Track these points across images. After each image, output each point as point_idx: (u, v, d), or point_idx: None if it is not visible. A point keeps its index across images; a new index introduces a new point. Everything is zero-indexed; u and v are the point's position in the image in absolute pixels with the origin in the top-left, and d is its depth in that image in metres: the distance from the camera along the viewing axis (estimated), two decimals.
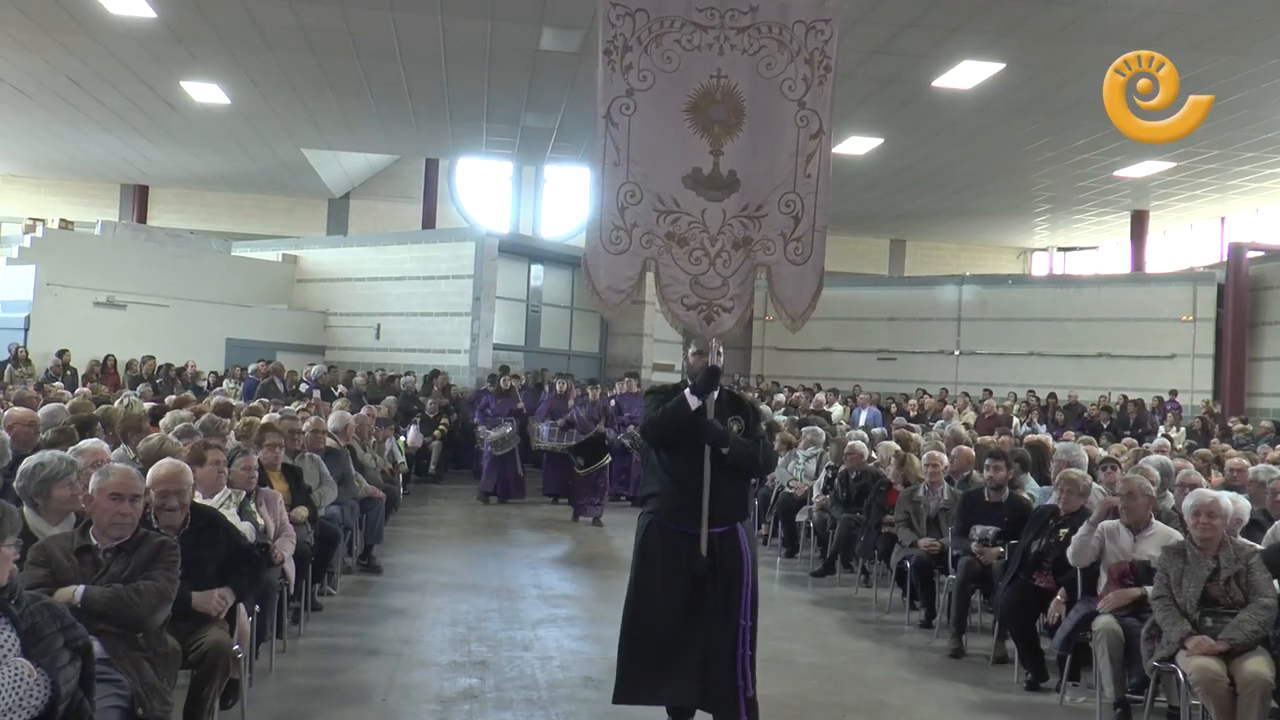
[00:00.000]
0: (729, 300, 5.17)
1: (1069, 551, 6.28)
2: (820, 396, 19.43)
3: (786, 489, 11.33)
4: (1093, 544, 6.15)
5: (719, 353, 5.11)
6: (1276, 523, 6.70)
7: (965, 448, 9.50)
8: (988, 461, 7.83)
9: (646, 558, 5.00)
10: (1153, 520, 6.20)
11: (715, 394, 4.99)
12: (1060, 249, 31.60)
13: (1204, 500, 5.42)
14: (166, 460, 4.93)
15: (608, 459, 13.02)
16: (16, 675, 3.14)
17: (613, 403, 14.76)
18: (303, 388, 16.84)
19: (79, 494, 4.53)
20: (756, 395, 20.66)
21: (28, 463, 4.69)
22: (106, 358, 17.23)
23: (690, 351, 5.22)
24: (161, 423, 7.74)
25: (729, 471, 4.99)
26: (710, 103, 5.16)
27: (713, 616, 4.88)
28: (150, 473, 4.75)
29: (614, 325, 23.67)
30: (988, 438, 12.51)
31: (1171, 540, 5.79)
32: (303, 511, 7.05)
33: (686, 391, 4.94)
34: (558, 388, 15.11)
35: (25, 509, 4.57)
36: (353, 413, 10.73)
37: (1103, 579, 6.13)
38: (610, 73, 5.10)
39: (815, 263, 5.23)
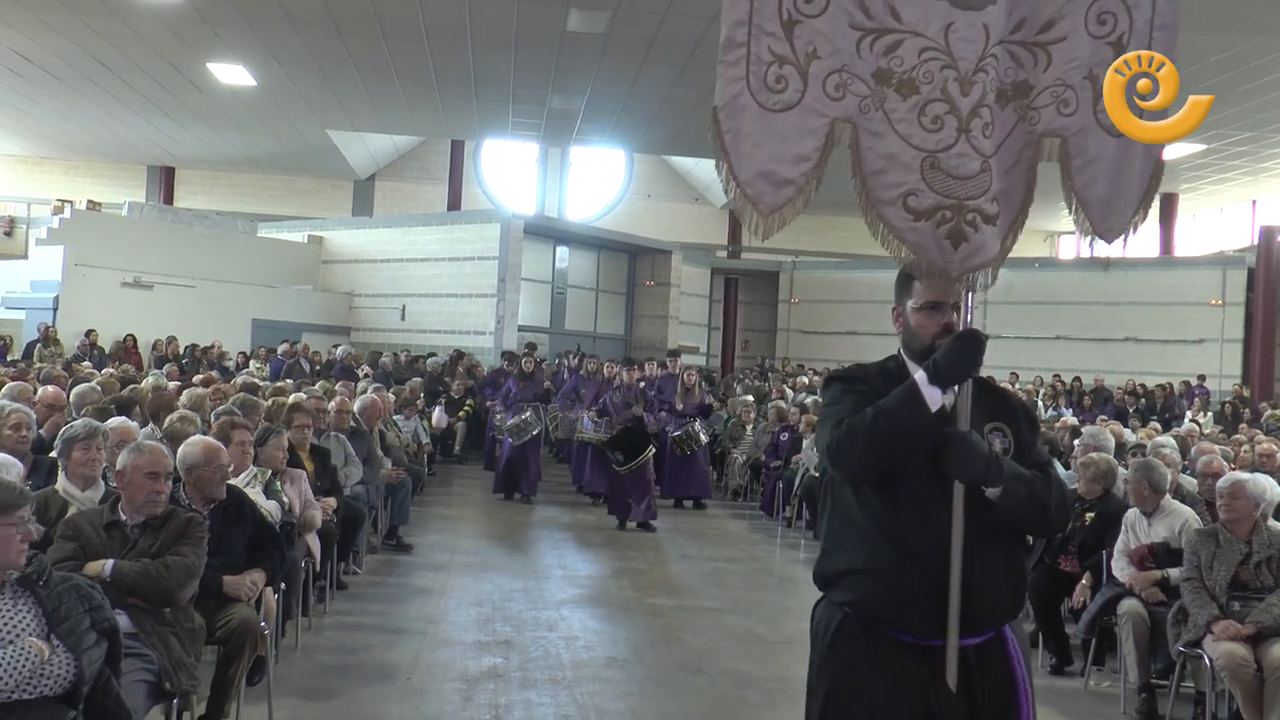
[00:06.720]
0: (990, 201, 2.68)
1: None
2: None
3: (812, 472, 11.25)
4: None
5: (968, 308, 2.80)
6: None
7: None
8: None
9: (842, 688, 2.69)
10: (1162, 503, 6.14)
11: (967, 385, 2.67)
12: None
13: (1228, 483, 5.39)
14: (201, 439, 4.95)
15: (652, 450, 11.42)
16: (20, 655, 3.14)
17: (646, 385, 13.29)
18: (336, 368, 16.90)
19: (95, 459, 4.80)
20: (781, 378, 20.41)
21: (66, 427, 5.00)
22: (126, 337, 17.38)
23: (912, 304, 2.86)
24: (179, 401, 7.77)
25: (996, 530, 2.67)
26: None
27: None
28: (187, 450, 4.78)
29: (639, 307, 23.66)
30: None
31: (1183, 518, 5.78)
32: (330, 503, 7.08)
33: (919, 378, 2.61)
34: (605, 371, 13.71)
35: (60, 472, 4.87)
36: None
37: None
38: None
39: None
